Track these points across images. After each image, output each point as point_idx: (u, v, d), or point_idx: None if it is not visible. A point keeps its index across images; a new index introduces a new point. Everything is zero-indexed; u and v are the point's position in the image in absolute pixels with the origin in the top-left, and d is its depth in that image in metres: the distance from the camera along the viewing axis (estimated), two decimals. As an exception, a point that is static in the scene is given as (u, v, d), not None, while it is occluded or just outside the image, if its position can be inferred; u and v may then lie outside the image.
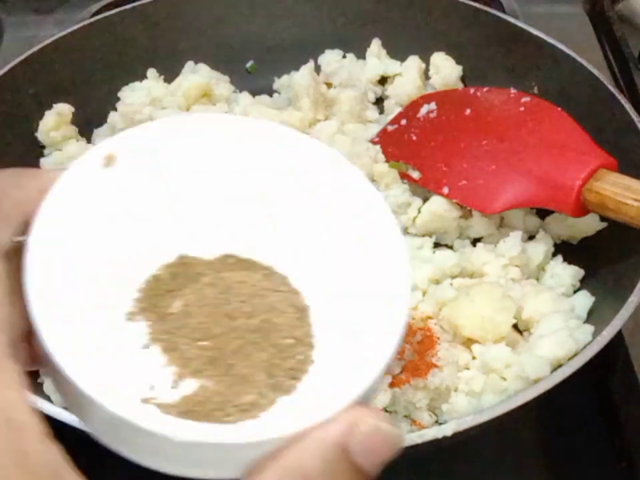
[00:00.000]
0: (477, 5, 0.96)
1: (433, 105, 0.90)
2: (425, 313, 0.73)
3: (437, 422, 0.69)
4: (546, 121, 0.82)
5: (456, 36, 0.97)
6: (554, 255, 0.81)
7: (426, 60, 0.98)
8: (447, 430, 0.60)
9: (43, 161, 0.91)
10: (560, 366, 0.66)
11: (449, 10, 0.97)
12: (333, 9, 1.01)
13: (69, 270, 0.36)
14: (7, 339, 0.32)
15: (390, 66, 0.99)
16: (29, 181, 0.37)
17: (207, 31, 1.01)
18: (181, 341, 0.37)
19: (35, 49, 0.92)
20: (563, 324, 0.71)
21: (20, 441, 0.30)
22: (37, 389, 0.69)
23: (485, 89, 0.88)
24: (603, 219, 0.79)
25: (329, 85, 0.99)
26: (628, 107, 0.81)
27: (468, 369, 0.70)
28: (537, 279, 0.79)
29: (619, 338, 0.75)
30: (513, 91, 0.86)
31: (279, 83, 0.99)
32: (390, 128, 0.92)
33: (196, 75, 0.97)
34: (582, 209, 0.74)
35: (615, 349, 0.76)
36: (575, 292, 0.78)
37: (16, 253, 0.35)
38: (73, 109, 0.92)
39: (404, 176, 0.86)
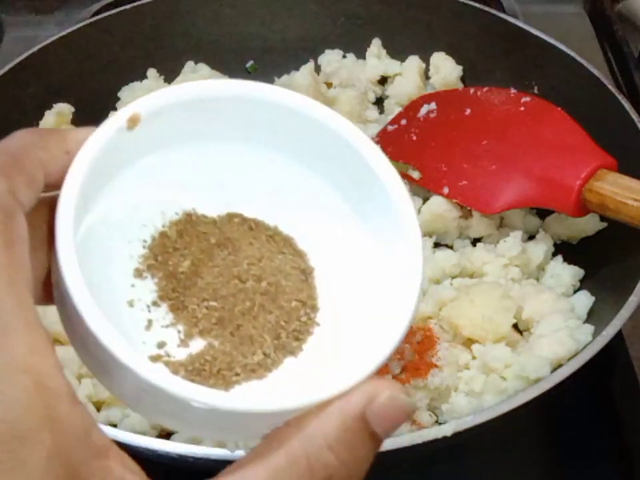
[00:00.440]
0: (477, 4, 0.96)
1: (433, 105, 0.90)
2: (424, 313, 0.73)
3: (437, 422, 0.69)
4: (546, 120, 0.82)
5: (456, 36, 0.97)
6: (554, 255, 0.81)
7: (426, 60, 0.98)
8: (447, 430, 0.60)
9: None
10: (560, 366, 0.66)
11: (449, 10, 0.97)
12: (333, 9, 1.01)
13: (91, 227, 0.37)
14: (30, 294, 0.33)
15: (390, 66, 0.99)
16: (55, 142, 0.37)
17: (207, 30, 1.01)
18: (189, 300, 0.37)
19: (35, 49, 0.92)
20: (563, 324, 0.71)
21: (51, 405, 0.31)
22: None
23: (484, 89, 0.88)
24: (602, 218, 0.79)
25: (329, 85, 0.99)
26: (628, 107, 0.81)
27: (468, 368, 0.70)
28: (537, 279, 0.79)
29: (619, 338, 0.75)
30: (512, 90, 0.86)
31: (279, 82, 0.99)
32: (390, 128, 0.92)
33: (196, 75, 0.97)
34: (582, 209, 0.74)
35: (615, 349, 0.76)
36: (575, 292, 0.78)
37: (37, 210, 0.35)
38: (72, 109, 0.92)
39: (404, 176, 0.86)
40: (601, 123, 0.81)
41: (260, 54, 1.02)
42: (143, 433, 0.64)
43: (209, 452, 0.58)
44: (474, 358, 0.71)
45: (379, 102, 0.99)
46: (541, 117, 0.82)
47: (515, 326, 0.73)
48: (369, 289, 0.39)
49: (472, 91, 0.89)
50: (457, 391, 0.69)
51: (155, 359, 0.36)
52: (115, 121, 0.37)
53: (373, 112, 0.97)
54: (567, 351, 0.67)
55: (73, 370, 0.69)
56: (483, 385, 0.68)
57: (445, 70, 0.96)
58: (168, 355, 0.36)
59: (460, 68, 0.97)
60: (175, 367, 0.35)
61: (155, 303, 0.37)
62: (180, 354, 0.36)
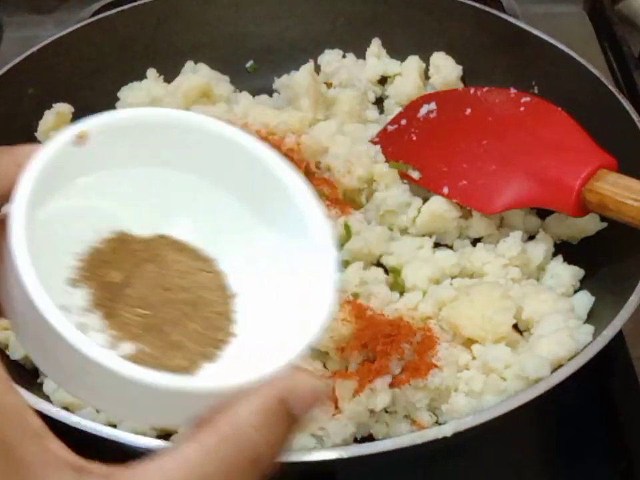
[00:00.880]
0: (476, 4, 0.96)
1: (433, 105, 0.90)
2: (424, 313, 0.73)
3: (437, 422, 0.68)
4: (546, 120, 0.82)
5: (456, 36, 0.97)
6: (554, 255, 0.81)
7: (426, 60, 0.98)
8: (447, 430, 0.60)
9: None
10: (560, 366, 0.66)
11: (449, 10, 0.97)
12: (333, 8, 1.01)
13: (37, 235, 0.39)
14: None
15: (390, 66, 0.99)
16: (6, 157, 0.40)
17: (207, 30, 1.01)
18: (120, 308, 0.40)
19: (35, 48, 0.92)
20: (563, 324, 0.71)
21: None
22: (37, 389, 0.69)
23: (485, 89, 0.88)
24: (603, 218, 0.79)
25: (329, 85, 0.99)
26: (628, 106, 0.81)
27: (468, 369, 0.70)
28: (537, 279, 0.79)
29: (619, 338, 0.75)
30: (512, 90, 0.86)
31: (279, 82, 0.99)
32: (390, 128, 0.92)
33: (196, 75, 0.97)
34: (582, 209, 0.74)
35: (615, 349, 0.76)
36: (575, 292, 0.78)
37: None
38: (72, 109, 0.92)
39: (404, 176, 0.86)
40: (601, 122, 0.81)
41: (260, 54, 1.02)
42: (143, 433, 0.64)
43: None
44: (474, 358, 0.71)
45: (379, 102, 0.99)
46: (541, 117, 0.82)
47: (515, 326, 0.73)
48: (287, 292, 0.43)
49: (472, 91, 0.90)
50: (457, 391, 0.69)
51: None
52: (65, 135, 0.40)
53: (373, 112, 0.97)
54: (567, 351, 0.67)
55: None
56: (482, 385, 0.68)
57: (445, 70, 0.96)
58: None
59: (460, 68, 0.97)
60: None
61: (88, 310, 0.40)
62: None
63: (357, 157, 0.85)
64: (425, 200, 0.84)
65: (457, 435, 0.60)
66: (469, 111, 0.87)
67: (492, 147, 0.83)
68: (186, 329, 0.40)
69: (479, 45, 0.96)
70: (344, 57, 1.01)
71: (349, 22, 1.02)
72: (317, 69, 0.99)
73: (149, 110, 0.43)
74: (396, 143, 0.89)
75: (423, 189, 0.85)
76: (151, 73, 0.98)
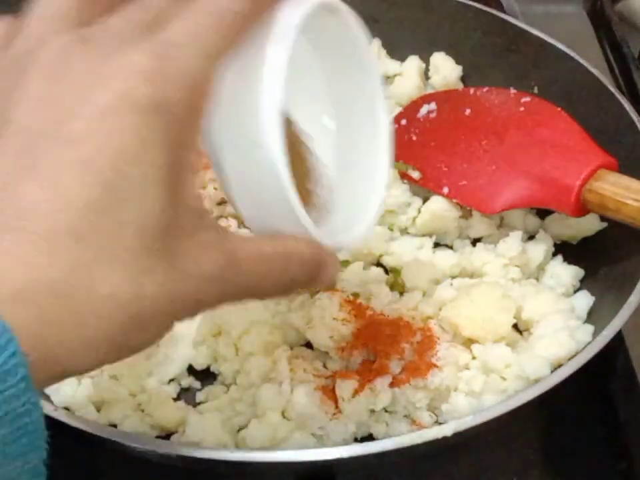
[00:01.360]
0: (477, 4, 0.96)
1: (433, 105, 0.90)
2: (424, 313, 0.73)
3: (436, 422, 0.68)
4: (546, 120, 0.82)
5: (456, 36, 0.97)
6: (554, 254, 0.81)
7: (426, 60, 0.98)
8: (447, 430, 0.60)
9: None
10: (560, 366, 0.66)
11: (449, 10, 0.97)
12: (333, 8, 1.01)
13: None
14: None
15: (390, 66, 0.99)
16: None
17: (207, 30, 1.01)
18: None
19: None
20: (563, 324, 0.71)
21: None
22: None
23: (484, 89, 0.88)
24: (603, 218, 0.79)
25: (329, 85, 0.99)
26: (628, 106, 0.81)
27: (468, 369, 0.70)
28: (537, 279, 0.79)
29: (619, 338, 0.75)
30: (512, 91, 0.86)
31: (279, 82, 0.99)
32: (390, 128, 0.92)
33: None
34: (582, 209, 0.74)
35: (615, 349, 0.76)
36: (575, 292, 0.78)
37: None
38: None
39: (404, 176, 0.86)
40: (601, 123, 0.81)
41: (260, 54, 1.02)
42: (143, 433, 0.64)
43: (208, 452, 0.58)
44: (474, 358, 0.71)
45: (379, 102, 0.99)
46: (541, 117, 0.82)
47: (515, 326, 0.73)
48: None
49: (472, 91, 0.90)
50: (457, 390, 0.69)
51: None
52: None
53: (373, 112, 0.97)
54: (566, 351, 0.67)
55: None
56: (483, 385, 0.68)
57: (445, 70, 0.96)
58: None
59: (460, 68, 0.97)
60: None
61: None
62: None
63: (357, 157, 0.85)
64: (425, 200, 0.84)
65: (457, 435, 0.60)
66: (468, 111, 0.87)
67: (492, 147, 0.83)
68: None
69: (479, 45, 0.96)
70: (344, 56, 1.01)
71: (349, 22, 1.01)
72: (317, 69, 0.99)
73: None
74: (396, 143, 0.89)
75: (423, 189, 0.85)
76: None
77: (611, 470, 0.74)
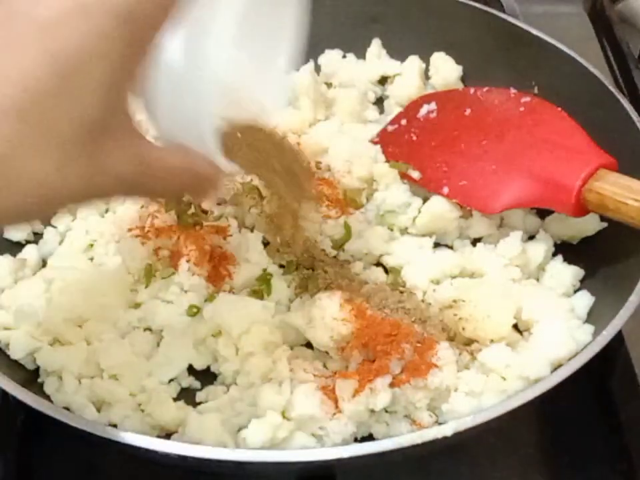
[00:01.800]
0: (476, 4, 0.96)
1: (433, 105, 0.90)
2: (424, 313, 0.73)
3: (436, 422, 0.68)
4: (546, 121, 0.82)
5: (456, 36, 0.97)
6: (554, 255, 0.81)
7: (426, 60, 0.98)
8: (447, 430, 0.60)
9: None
10: (560, 366, 0.66)
11: (449, 10, 0.97)
12: (333, 8, 1.01)
13: None
14: None
15: (390, 66, 0.99)
16: None
17: (207, 30, 1.01)
18: None
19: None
20: (563, 324, 0.71)
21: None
22: (37, 388, 0.69)
23: (485, 89, 0.88)
24: (603, 218, 0.79)
25: (328, 85, 0.99)
26: (628, 107, 0.81)
27: (468, 368, 0.70)
28: (537, 279, 0.79)
29: (619, 338, 0.75)
30: (512, 91, 0.86)
31: (279, 82, 0.99)
32: (390, 128, 0.92)
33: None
34: (582, 209, 0.74)
35: (615, 349, 0.76)
36: (575, 292, 0.78)
37: None
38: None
39: (404, 176, 0.86)
40: (601, 123, 0.81)
41: (260, 54, 1.02)
42: (143, 433, 0.64)
43: (209, 452, 0.58)
44: (474, 358, 0.71)
45: (379, 102, 0.99)
46: (541, 117, 0.82)
47: (515, 326, 0.73)
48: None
49: (472, 91, 0.90)
50: (457, 390, 0.69)
51: None
52: None
53: (373, 112, 0.97)
54: (567, 351, 0.67)
55: (73, 370, 0.69)
56: (483, 385, 0.68)
57: (445, 70, 0.96)
58: None
59: (460, 68, 0.97)
60: None
61: None
62: None
63: (357, 156, 0.85)
64: (425, 200, 0.84)
65: (457, 435, 0.60)
66: (468, 111, 0.87)
67: (492, 147, 0.83)
68: None
69: (479, 44, 0.96)
70: (344, 57, 1.01)
71: (349, 22, 1.01)
72: (317, 69, 0.99)
73: None
74: (396, 143, 0.89)
75: (423, 189, 0.85)
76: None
77: (611, 470, 0.74)
